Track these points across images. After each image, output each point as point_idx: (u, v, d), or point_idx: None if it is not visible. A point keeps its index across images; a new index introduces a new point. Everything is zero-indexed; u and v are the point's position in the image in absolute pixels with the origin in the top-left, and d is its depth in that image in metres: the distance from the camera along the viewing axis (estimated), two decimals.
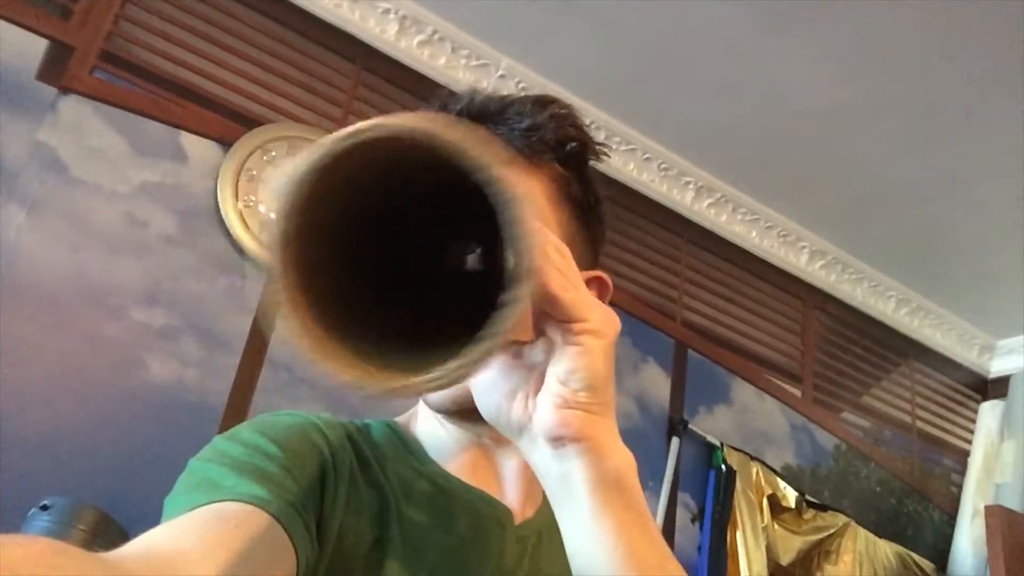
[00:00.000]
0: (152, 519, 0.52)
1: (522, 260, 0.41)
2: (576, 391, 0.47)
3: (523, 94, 0.69)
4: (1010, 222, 2.81)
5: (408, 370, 0.43)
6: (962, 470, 3.35)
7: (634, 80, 2.54)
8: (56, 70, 1.96)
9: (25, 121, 1.90)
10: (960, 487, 3.31)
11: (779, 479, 2.78)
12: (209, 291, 2.01)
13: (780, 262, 3.11)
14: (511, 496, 0.69)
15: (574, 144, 0.66)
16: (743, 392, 2.90)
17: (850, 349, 3.27)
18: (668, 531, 2.50)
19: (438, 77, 2.47)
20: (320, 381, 2.08)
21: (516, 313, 0.41)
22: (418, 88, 2.42)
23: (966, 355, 3.55)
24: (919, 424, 3.37)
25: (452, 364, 0.42)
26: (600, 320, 0.48)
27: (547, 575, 0.67)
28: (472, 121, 0.66)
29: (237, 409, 1.94)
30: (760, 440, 2.87)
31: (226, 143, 2.12)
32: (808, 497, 2.83)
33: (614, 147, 2.71)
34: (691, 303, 2.89)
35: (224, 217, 2.06)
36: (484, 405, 0.52)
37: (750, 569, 2.51)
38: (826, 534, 2.82)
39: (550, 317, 0.48)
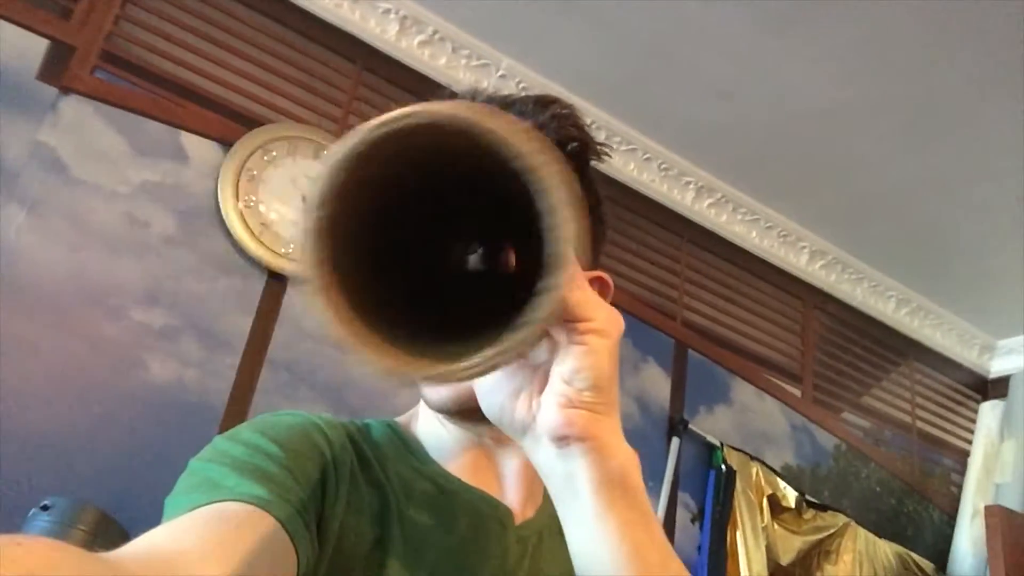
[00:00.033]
0: (153, 519, 0.52)
1: (561, 248, 0.40)
2: (581, 390, 0.47)
3: (524, 94, 0.69)
4: (1010, 222, 2.81)
5: (442, 359, 0.42)
6: (962, 470, 3.35)
7: (634, 80, 2.54)
8: (57, 70, 1.96)
9: (25, 121, 1.90)
10: (960, 487, 3.31)
11: (779, 479, 2.78)
12: (209, 291, 2.01)
13: (780, 262, 3.11)
14: (512, 496, 0.69)
15: (575, 144, 0.66)
16: (743, 392, 2.90)
17: (850, 349, 3.28)
18: (668, 531, 2.49)
19: (439, 77, 2.47)
20: (321, 380, 2.08)
21: (554, 301, 0.41)
22: (419, 88, 2.43)
23: (966, 355, 3.55)
24: (919, 424, 3.37)
25: (489, 352, 0.41)
26: (605, 320, 0.48)
27: (547, 575, 0.68)
28: None
29: (237, 409, 1.94)
30: (760, 440, 2.87)
31: (227, 143, 2.12)
32: (808, 497, 2.83)
33: (614, 147, 2.71)
34: (691, 303, 2.89)
35: (224, 217, 2.06)
36: (488, 405, 0.52)
37: (750, 569, 2.51)
38: (826, 534, 2.83)
39: None
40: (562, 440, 0.47)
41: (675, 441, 2.62)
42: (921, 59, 2.27)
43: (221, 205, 2.06)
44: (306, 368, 2.08)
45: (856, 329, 3.30)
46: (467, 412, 0.64)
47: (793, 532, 2.74)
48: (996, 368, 3.57)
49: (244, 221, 2.07)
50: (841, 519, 2.88)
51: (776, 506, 2.74)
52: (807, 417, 3.03)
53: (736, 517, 2.58)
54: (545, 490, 0.73)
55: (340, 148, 0.40)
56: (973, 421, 3.46)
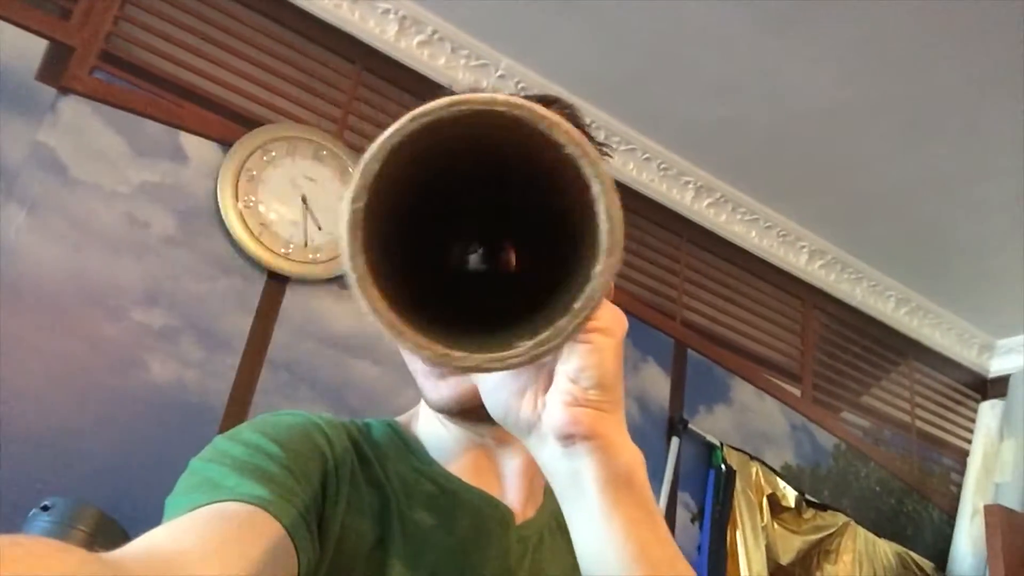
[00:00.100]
0: (153, 519, 0.52)
1: (604, 236, 0.40)
2: (586, 389, 0.47)
3: (524, 94, 0.69)
4: (1010, 222, 2.81)
5: (477, 349, 0.42)
6: (961, 469, 3.35)
7: (634, 80, 2.54)
8: (56, 70, 1.96)
9: (25, 121, 1.90)
10: (960, 486, 3.31)
11: (779, 479, 2.78)
12: (209, 291, 2.01)
13: (780, 262, 3.11)
14: (512, 496, 0.69)
15: None
16: (743, 392, 2.90)
17: (849, 349, 3.28)
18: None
19: (438, 77, 2.47)
20: (321, 380, 2.08)
21: (601, 288, 0.41)
22: (418, 88, 2.43)
23: (965, 354, 3.55)
24: (919, 423, 3.38)
25: (528, 343, 0.41)
26: (609, 318, 0.48)
27: (548, 575, 0.68)
28: None
29: (237, 410, 1.94)
30: (760, 440, 2.87)
31: (226, 143, 2.12)
32: (808, 497, 2.84)
33: (614, 147, 2.72)
34: (691, 303, 2.89)
35: (224, 217, 2.06)
36: (492, 403, 0.52)
37: (750, 569, 2.51)
38: (826, 534, 2.83)
39: None
40: (568, 439, 0.47)
41: (675, 441, 2.62)
42: (921, 59, 2.27)
43: (220, 205, 2.06)
44: (306, 368, 2.08)
45: (855, 329, 3.31)
46: (468, 412, 0.64)
47: (793, 532, 2.74)
48: (995, 367, 3.57)
49: (244, 221, 2.07)
50: (841, 519, 2.88)
51: (776, 506, 2.74)
52: (807, 417, 3.03)
53: (736, 517, 2.58)
54: (546, 489, 0.73)
55: (380, 137, 0.41)
56: (972, 420, 3.46)
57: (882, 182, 2.77)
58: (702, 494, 2.62)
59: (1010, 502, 2.97)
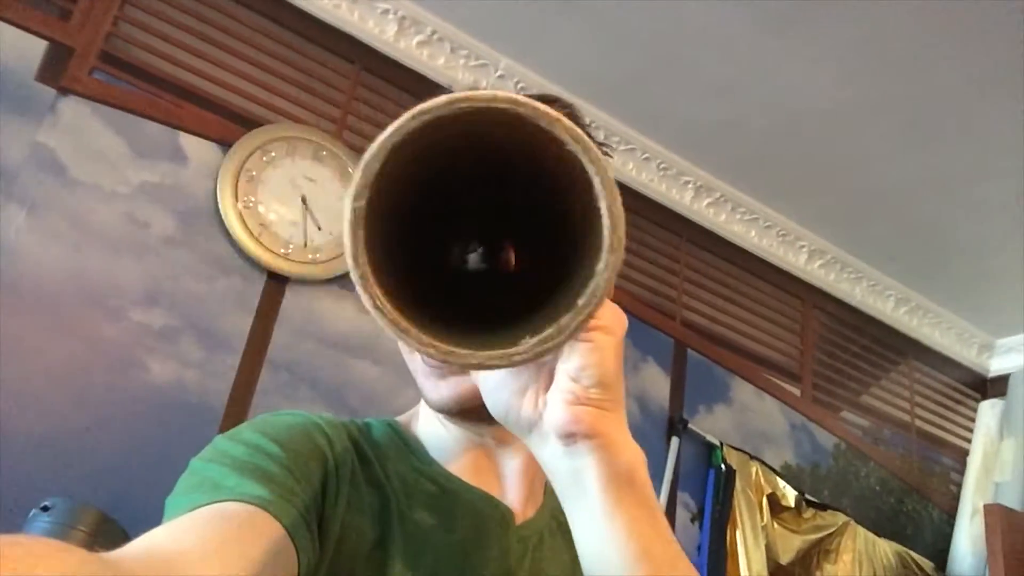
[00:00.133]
0: (153, 520, 0.52)
1: (607, 233, 0.40)
2: (587, 387, 0.47)
3: (524, 93, 0.69)
4: (1009, 222, 2.81)
5: (481, 347, 0.42)
6: (961, 469, 3.35)
7: (633, 80, 2.54)
8: (55, 71, 1.96)
9: (24, 122, 1.90)
10: (959, 486, 3.31)
11: (778, 478, 2.78)
12: (209, 292, 2.01)
13: (779, 261, 3.11)
14: (512, 496, 0.69)
15: None
16: (742, 391, 2.90)
17: (849, 348, 3.28)
18: None
19: (437, 77, 2.47)
20: (321, 380, 2.08)
21: (604, 285, 0.41)
22: (417, 88, 2.43)
23: (965, 354, 3.55)
24: (918, 423, 3.38)
25: (531, 341, 0.41)
26: (610, 317, 0.48)
27: (548, 575, 0.68)
28: None
29: (237, 410, 1.94)
30: (759, 439, 2.87)
31: (225, 144, 2.12)
32: (807, 496, 2.84)
33: (613, 147, 2.72)
34: (690, 303, 2.89)
35: (224, 218, 2.06)
36: (493, 402, 0.51)
37: (750, 568, 2.51)
38: (826, 533, 2.83)
39: None
40: (569, 437, 0.47)
41: (675, 441, 2.62)
42: (921, 59, 2.27)
43: (220, 206, 2.06)
44: (306, 368, 2.08)
45: (855, 328, 3.31)
46: (469, 412, 0.64)
47: (793, 531, 2.74)
48: (995, 367, 3.57)
49: (243, 221, 2.07)
50: (841, 518, 2.88)
51: (776, 505, 2.74)
52: (806, 416, 3.03)
53: (736, 516, 2.58)
54: (546, 489, 0.73)
55: (381, 136, 0.41)
56: (972, 420, 3.46)
57: (882, 182, 2.77)
58: (702, 494, 2.62)
59: (1010, 501, 2.97)
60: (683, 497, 2.60)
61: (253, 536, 0.51)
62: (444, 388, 0.65)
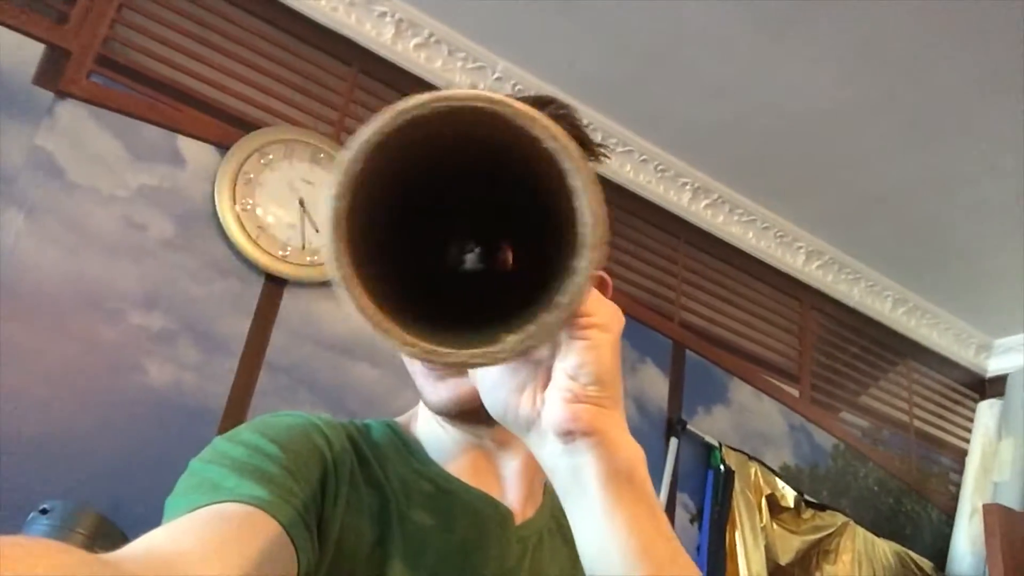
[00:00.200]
0: (152, 522, 0.52)
1: (587, 231, 0.40)
2: (585, 385, 0.47)
3: (520, 95, 0.69)
4: (1009, 222, 2.81)
5: (465, 345, 0.42)
6: (960, 469, 3.35)
7: (631, 81, 2.54)
8: (53, 74, 1.96)
9: (22, 125, 1.90)
10: (958, 486, 3.31)
11: (777, 479, 2.78)
12: (207, 294, 2.01)
13: (777, 262, 3.11)
14: (512, 497, 0.69)
15: None
16: (741, 392, 2.90)
17: (847, 349, 3.28)
18: None
19: (435, 80, 2.47)
20: (320, 383, 2.08)
21: (584, 282, 0.41)
22: (415, 91, 2.41)
23: (963, 354, 3.55)
24: (917, 423, 3.38)
25: (513, 338, 0.41)
26: (606, 315, 0.48)
27: (548, 575, 0.68)
28: None
29: (235, 412, 1.94)
30: (758, 440, 2.87)
31: (223, 147, 2.12)
32: (807, 497, 2.84)
33: (611, 148, 2.72)
34: (689, 304, 2.89)
35: (221, 220, 2.06)
36: (491, 402, 0.51)
37: (749, 569, 2.51)
38: (825, 534, 2.83)
39: None
40: (568, 435, 0.47)
41: (673, 441, 2.62)
42: (921, 59, 2.27)
43: (218, 208, 2.06)
44: (305, 371, 2.07)
45: (853, 329, 3.31)
46: (467, 413, 0.64)
47: (792, 532, 2.74)
48: (993, 367, 3.58)
49: (241, 224, 2.07)
50: (840, 519, 2.89)
51: (775, 506, 2.74)
52: (805, 417, 3.03)
53: (735, 517, 2.58)
54: (545, 490, 0.73)
55: (360, 136, 0.41)
56: (971, 420, 3.46)
57: (881, 182, 2.78)
58: (701, 495, 2.62)
59: (1009, 501, 2.97)
60: (682, 498, 2.60)
61: (252, 536, 0.51)
62: (443, 390, 0.65)
